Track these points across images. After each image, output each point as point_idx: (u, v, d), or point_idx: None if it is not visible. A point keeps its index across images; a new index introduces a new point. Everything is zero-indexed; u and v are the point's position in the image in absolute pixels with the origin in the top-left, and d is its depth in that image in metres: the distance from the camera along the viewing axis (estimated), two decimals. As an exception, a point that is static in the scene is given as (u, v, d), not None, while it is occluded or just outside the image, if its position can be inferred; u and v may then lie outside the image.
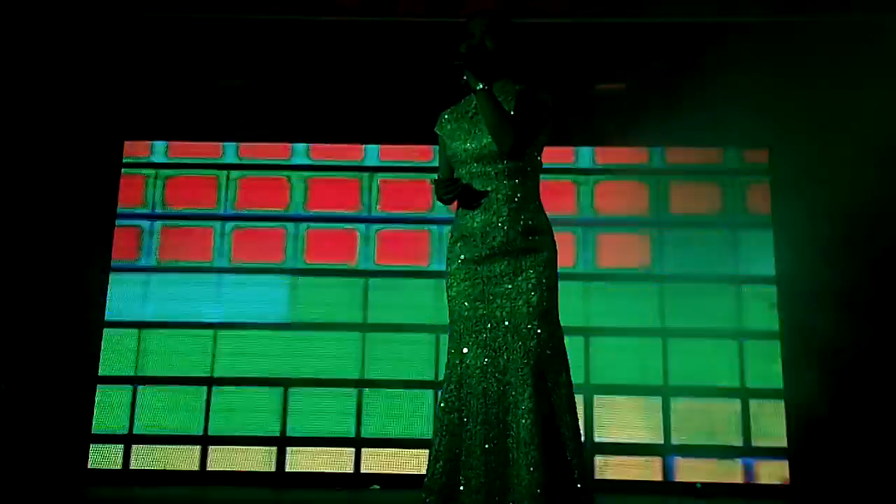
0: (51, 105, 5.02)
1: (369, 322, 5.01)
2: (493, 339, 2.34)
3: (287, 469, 4.81)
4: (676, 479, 4.73)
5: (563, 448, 2.27)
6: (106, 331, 4.99)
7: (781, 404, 4.79)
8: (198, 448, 4.83)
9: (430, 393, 4.86)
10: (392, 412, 4.87)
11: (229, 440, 4.84)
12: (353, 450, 4.83)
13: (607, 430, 4.80)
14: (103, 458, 4.82)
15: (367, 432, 4.85)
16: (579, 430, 2.32)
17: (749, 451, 4.76)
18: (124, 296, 5.04)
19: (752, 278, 4.97)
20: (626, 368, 4.88)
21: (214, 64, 5.07)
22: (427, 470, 2.37)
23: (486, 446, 2.28)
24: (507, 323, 2.34)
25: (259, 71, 5.07)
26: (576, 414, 2.31)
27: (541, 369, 2.29)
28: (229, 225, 5.15)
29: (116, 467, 4.80)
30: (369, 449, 4.83)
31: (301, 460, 4.82)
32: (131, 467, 4.81)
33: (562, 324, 2.39)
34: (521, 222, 2.38)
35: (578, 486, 2.25)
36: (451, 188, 2.41)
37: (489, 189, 2.40)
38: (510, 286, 2.36)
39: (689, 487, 4.67)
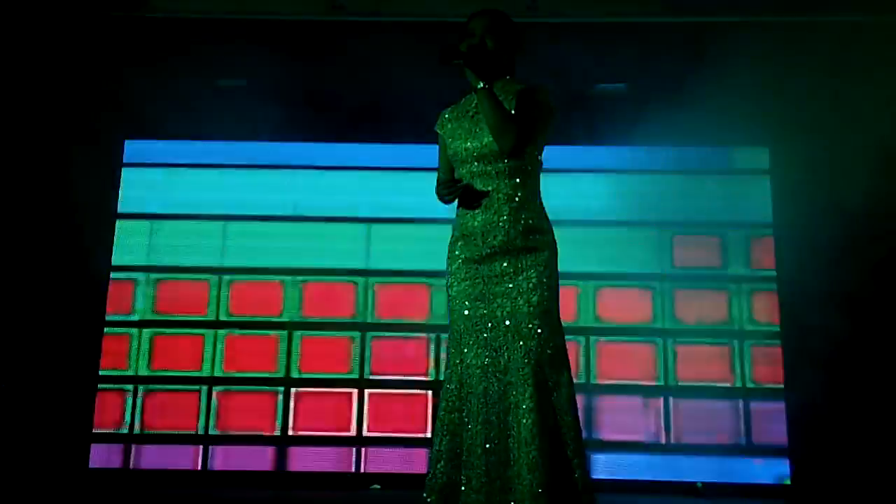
0: (51, 105, 5.02)
1: (369, 321, 5.02)
2: (494, 339, 2.34)
3: (287, 469, 4.81)
4: (677, 479, 4.73)
5: (564, 448, 2.27)
6: (106, 329, 4.99)
7: (781, 404, 4.79)
8: (198, 448, 4.84)
9: (430, 392, 4.85)
10: (392, 411, 4.87)
11: (229, 440, 4.85)
12: (353, 450, 4.83)
13: (607, 430, 4.80)
14: (103, 458, 4.82)
15: (367, 432, 4.85)
16: (580, 429, 2.31)
17: (749, 451, 4.76)
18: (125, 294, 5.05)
19: (753, 278, 4.97)
20: (626, 368, 4.88)
21: (214, 64, 5.07)
22: (428, 470, 2.38)
23: (487, 446, 2.27)
24: (507, 322, 2.34)
25: (259, 71, 5.06)
26: (577, 413, 2.31)
27: (541, 369, 2.29)
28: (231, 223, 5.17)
29: (116, 467, 4.80)
30: (369, 449, 4.83)
31: (301, 460, 4.82)
32: (131, 467, 4.81)
33: (562, 324, 2.39)
34: (522, 222, 2.38)
35: (580, 485, 2.25)
36: (453, 189, 2.41)
37: (490, 188, 2.40)
38: (511, 285, 2.36)
39: (689, 487, 4.68)
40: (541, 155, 2.50)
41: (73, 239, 4.95)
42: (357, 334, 5.00)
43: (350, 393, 4.91)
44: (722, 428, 4.79)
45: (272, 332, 5.01)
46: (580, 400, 2.36)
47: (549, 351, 2.31)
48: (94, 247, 5.03)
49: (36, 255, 4.92)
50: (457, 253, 2.44)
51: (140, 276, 5.09)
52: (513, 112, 2.39)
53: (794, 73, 4.84)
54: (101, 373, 4.94)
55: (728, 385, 4.85)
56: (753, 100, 4.82)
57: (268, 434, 4.86)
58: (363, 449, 4.83)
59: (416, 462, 4.73)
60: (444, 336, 4.74)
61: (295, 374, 4.94)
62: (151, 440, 4.85)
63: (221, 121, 5.11)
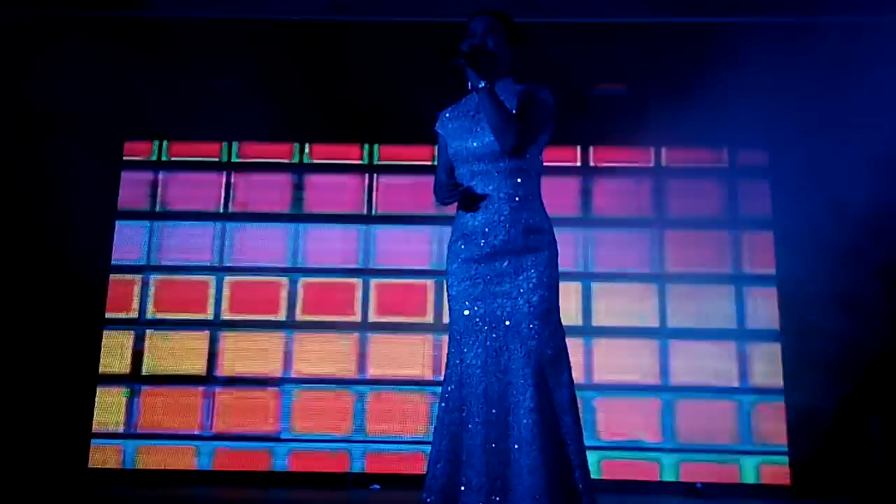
0: (51, 105, 5.01)
1: (369, 321, 5.02)
2: (494, 339, 2.34)
3: (287, 469, 4.81)
4: (676, 479, 4.73)
5: (565, 448, 2.26)
6: (106, 331, 4.99)
7: (781, 404, 4.79)
8: (198, 447, 4.83)
9: (430, 392, 4.85)
10: (392, 411, 4.87)
11: (229, 439, 4.84)
12: (353, 449, 4.83)
13: (607, 429, 4.80)
14: (103, 457, 4.82)
15: (367, 431, 4.85)
16: (581, 430, 2.30)
17: (749, 451, 4.76)
18: (125, 294, 5.05)
19: (753, 278, 4.98)
20: (626, 368, 4.88)
21: (214, 64, 5.07)
22: (427, 470, 2.37)
23: (488, 446, 2.26)
24: (507, 322, 2.33)
25: (259, 71, 5.06)
26: (577, 414, 2.30)
27: (542, 369, 2.28)
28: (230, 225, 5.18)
29: (116, 467, 4.80)
30: (369, 448, 4.83)
31: (301, 460, 4.82)
32: (131, 467, 4.81)
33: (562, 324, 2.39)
34: (523, 221, 2.38)
35: (580, 486, 2.25)
36: (453, 192, 2.41)
37: (490, 187, 2.40)
38: (511, 285, 2.35)
39: (689, 487, 4.68)
40: (541, 155, 2.50)
41: (72, 239, 4.95)
42: (357, 333, 5.00)
43: (350, 392, 4.91)
44: (722, 428, 4.79)
45: (272, 332, 5.01)
46: (580, 400, 2.36)
47: (549, 351, 2.30)
48: (93, 246, 5.03)
49: (36, 255, 4.92)
50: (457, 252, 2.43)
51: (139, 275, 5.08)
52: (514, 112, 2.39)
53: (794, 74, 4.84)
54: (100, 372, 4.94)
55: (728, 385, 4.85)
56: (753, 100, 4.81)
57: (267, 434, 4.85)
58: (363, 448, 4.83)
59: (416, 462, 4.72)
60: (437, 335, 4.75)
61: (294, 374, 4.94)
62: (151, 439, 4.85)
63: (221, 121, 5.11)
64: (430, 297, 5.01)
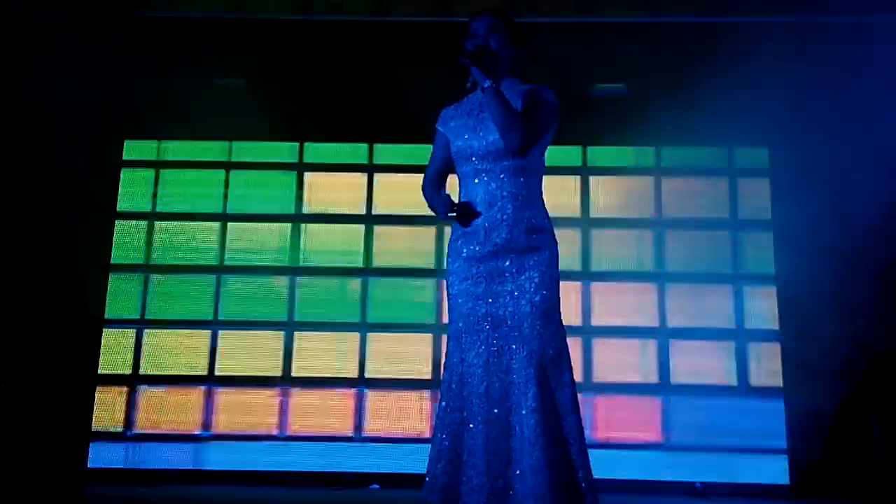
0: (51, 104, 5.01)
1: (369, 321, 5.02)
2: (495, 338, 2.34)
3: (287, 468, 4.80)
4: (676, 479, 4.73)
5: (568, 448, 2.26)
6: (106, 330, 4.99)
7: (781, 404, 4.79)
8: (197, 446, 4.83)
9: (430, 391, 4.85)
10: (392, 410, 4.87)
11: (229, 438, 4.84)
12: (353, 449, 4.83)
13: (607, 429, 4.80)
14: (103, 457, 4.82)
15: (367, 430, 4.85)
16: (583, 429, 2.30)
17: (749, 450, 4.76)
18: (124, 294, 5.05)
19: (753, 278, 4.97)
20: (626, 368, 4.88)
21: (214, 64, 5.06)
22: (428, 469, 2.36)
23: (489, 446, 2.26)
24: (509, 322, 2.33)
25: (259, 71, 5.06)
26: (579, 413, 2.30)
27: (544, 368, 2.28)
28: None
29: (116, 467, 4.80)
30: (369, 448, 4.83)
31: (301, 459, 4.82)
32: (131, 466, 4.80)
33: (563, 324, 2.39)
34: (525, 220, 2.38)
35: (582, 485, 2.25)
36: (450, 209, 2.38)
37: (493, 186, 2.40)
38: (513, 284, 2.35)
39: (689, 487, 4.67)
40: (543, 155, 2.50)
41: (72, 238, 4.95)
42: (356, 333, 5.00)
43: (350, 392, 4.91)
44: (722, 428, 4.79)
45: (272, 332, 5.00)
46: (580, 400, 2.36)
47: (551, 351, 2.30)
48: (93, 246, 5.03)
49: (35, 255, 4.92)
50: (458, 251, 2.43)
51: (139, 275, 5.08)
52: (519, 111, 2.39)
53: (793, 73, 4.84)
54: (99, 372, 4.93)
55: (728, 385, 4.85)
56: (753, 100, 4.82)
57: (267, 433, 4.85)
58: (363, 448, 4.82)
59: (416, 462, 4.72)
60: (437, 334, 4.75)
61: (294, 373, 4.94)
62: (150, 439, 4.84)
63: (220, 120, 5.11)
64: (431, 297, 5.00)
